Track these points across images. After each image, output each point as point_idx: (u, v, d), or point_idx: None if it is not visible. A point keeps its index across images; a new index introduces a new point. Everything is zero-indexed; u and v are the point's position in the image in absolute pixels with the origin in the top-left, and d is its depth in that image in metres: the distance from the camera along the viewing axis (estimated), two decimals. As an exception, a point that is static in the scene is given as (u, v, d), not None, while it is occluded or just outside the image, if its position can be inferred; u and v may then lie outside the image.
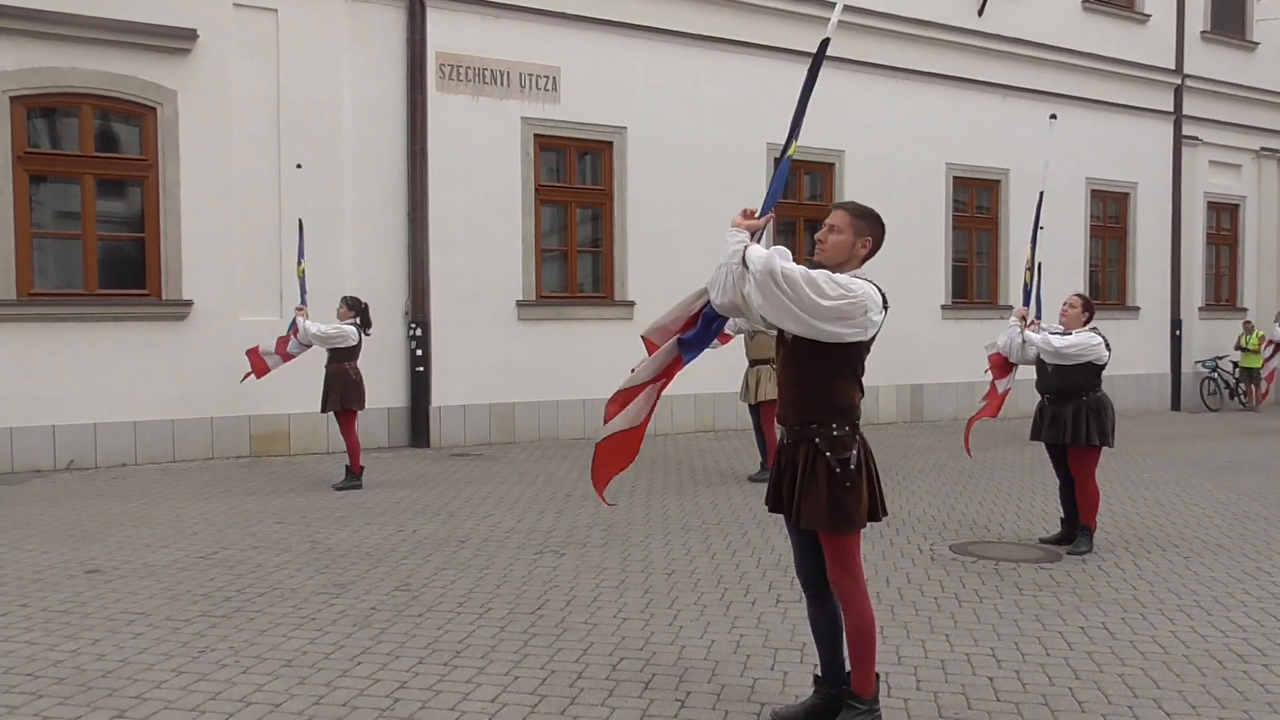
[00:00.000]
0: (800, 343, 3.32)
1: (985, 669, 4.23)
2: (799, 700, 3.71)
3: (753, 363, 8.99)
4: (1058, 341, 6.26)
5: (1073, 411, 6.24)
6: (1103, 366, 6.32)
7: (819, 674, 3.62)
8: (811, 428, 3.35)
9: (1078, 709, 3.81)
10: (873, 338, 3.35)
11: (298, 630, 4.62)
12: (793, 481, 3.39)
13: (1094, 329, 6.34)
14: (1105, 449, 6.39)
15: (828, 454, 3.31)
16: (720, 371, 9.87)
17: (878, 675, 3.49)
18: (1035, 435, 6.55)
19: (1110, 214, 16.31)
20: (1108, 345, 6.31)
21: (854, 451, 3.34)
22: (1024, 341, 6.51)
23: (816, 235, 3.50)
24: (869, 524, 3.41)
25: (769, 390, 8.60)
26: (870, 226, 3.47)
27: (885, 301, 3.34)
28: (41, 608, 4.93)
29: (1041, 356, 6.38)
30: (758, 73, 12.51)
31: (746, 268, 3.16)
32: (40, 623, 4.70)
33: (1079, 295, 6.54)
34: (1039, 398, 6.58)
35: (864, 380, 3.44)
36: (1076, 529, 6.44)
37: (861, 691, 3.42)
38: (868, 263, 3.49)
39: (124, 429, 9.27)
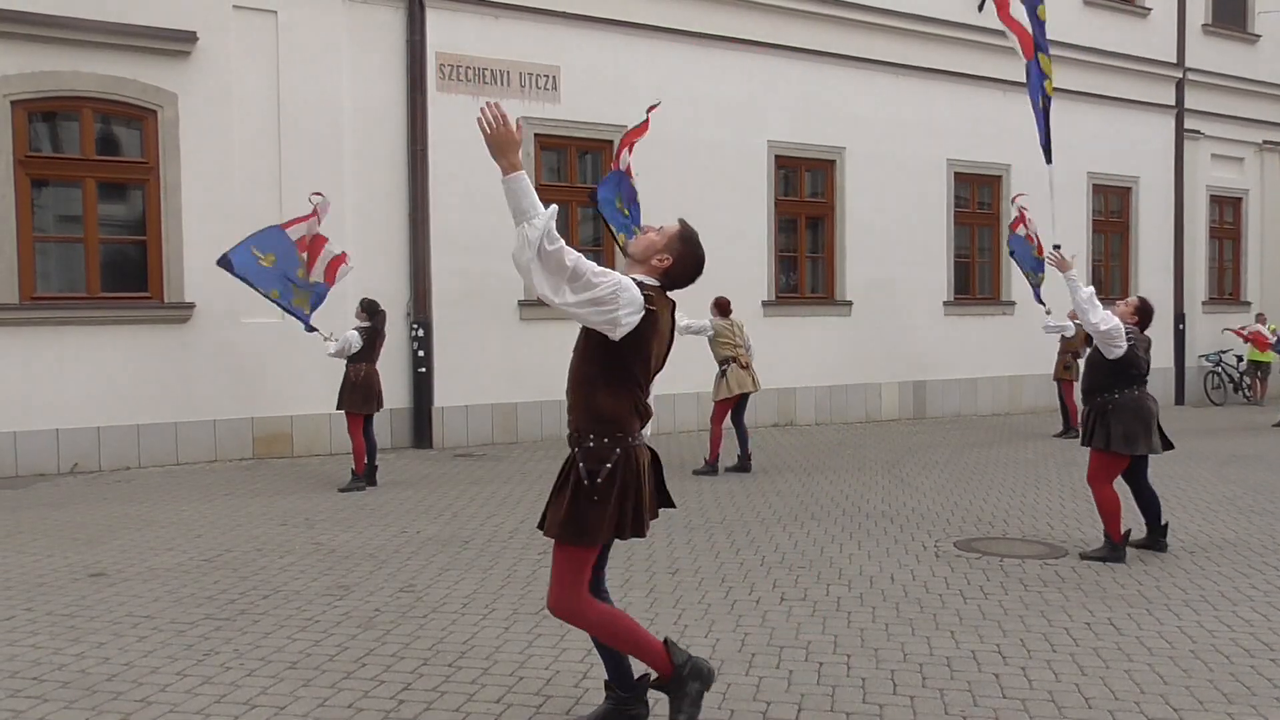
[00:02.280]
0: (579, 345, 3.25)
1: (991, 666, 4.22)
2: (594, 709, 3.57)
3: (720, 362, 9.30)
4: (1095, 317, 5.94)
5: (1091, 411, 6.11)
6: (1127, 369, 6.01)
7: (608, 678, 3.51)
8: (574, 435, 3.24)
9: (1084, 705, 3.80)
10: (638, 344, 3.16)
11: (302, 633, 4.62)
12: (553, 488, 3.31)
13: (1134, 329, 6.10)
14: (1146, 455, 6.12)
15: (581, 464, 3.19)
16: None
17: (666, 641, 3.40)
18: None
19: (1112, 209, 16.28)
20: (1138, 350, 6.02)
21: (608, 465, 3.16)
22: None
23: (643, 223, 3.47)
24: (633, 537, 3.27)
25: (722, 390, 9.22)
26: (681, 248, 3.31)
27: (648, 309, 3.14)
28: (46, 611, 4.93)
29: (1105, 353, 6.05)
30: (759, 71, 12.50)
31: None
32: (45, 626, 4.70)
33: (1139, 297, 6.35)
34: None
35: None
36: (1161, 534, 6.23)
37: (664, 674, 3.35)
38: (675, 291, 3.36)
39: (127, 432, 9.27)
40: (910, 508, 7.62)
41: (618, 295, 3.07)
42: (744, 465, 9.31)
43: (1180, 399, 16.66)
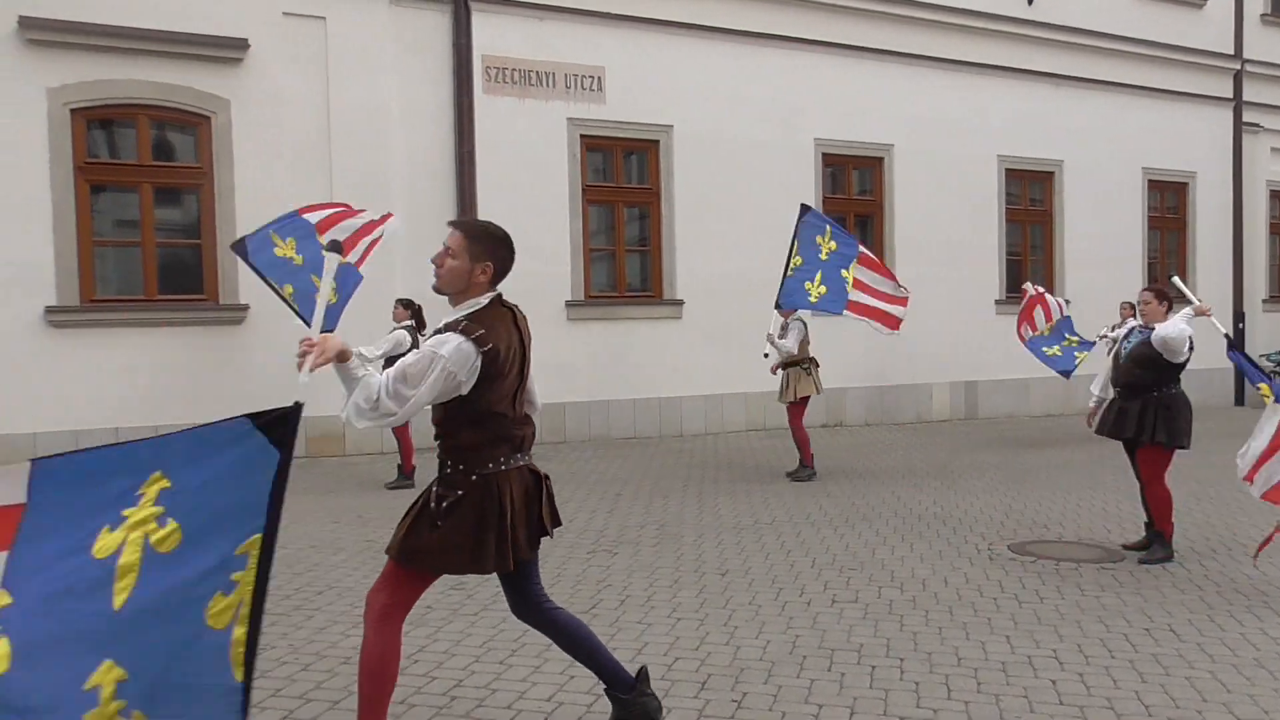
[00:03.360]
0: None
1: (1047, 671, 4.14)
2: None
3: (785, 365, 9.05)
4: (1165, 330, 5.81)
5: (1139, 407, 5.98)
6: (1181, 364, 5.99)
7: (605, 687, 3.47)
8: (438, 463, 3.19)
9: (1144, 713, 3.72)
10: (487, 383, 3.05)
11: (355, 629, 4.67)
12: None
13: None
14: (1180, 450, 6.03)
15: (434, 488, 3.14)
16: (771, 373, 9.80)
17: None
18: (1100, 430, 6.30)
19: (1168, 205, 15.92)
20: (1191, 344, 5.95)
21: (459, 493, 3.08)
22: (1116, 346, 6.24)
23: (433, 258, 3.16)
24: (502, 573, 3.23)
25: (799, 390, 8.93)
26: (490, 248, 3.12)
27: (482, 351, 3.00)
28: (107, 607, 5.04)
29: (1166, 357, 5.93)
30: (805, 68, 12.41)
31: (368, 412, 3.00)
32: (106, 622, 4.80)
33: (1152, 290, 6.19)
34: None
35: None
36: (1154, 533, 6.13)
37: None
38: (501, 283, 3.22)
39: (183, 432, 9.44)
40: (962, 510, 7.51)
41: (447, 368, 2.96)
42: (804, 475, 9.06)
43: (1240, 399, 16.24)
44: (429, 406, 3.09)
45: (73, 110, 9.05)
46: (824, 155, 12.69)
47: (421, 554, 3.11)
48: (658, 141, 11.69)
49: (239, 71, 9.63)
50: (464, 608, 5.02)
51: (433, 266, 3.16)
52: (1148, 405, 5.97)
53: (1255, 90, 16.34)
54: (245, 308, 9.66)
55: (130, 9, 9.13)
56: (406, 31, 10.43)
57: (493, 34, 10.76)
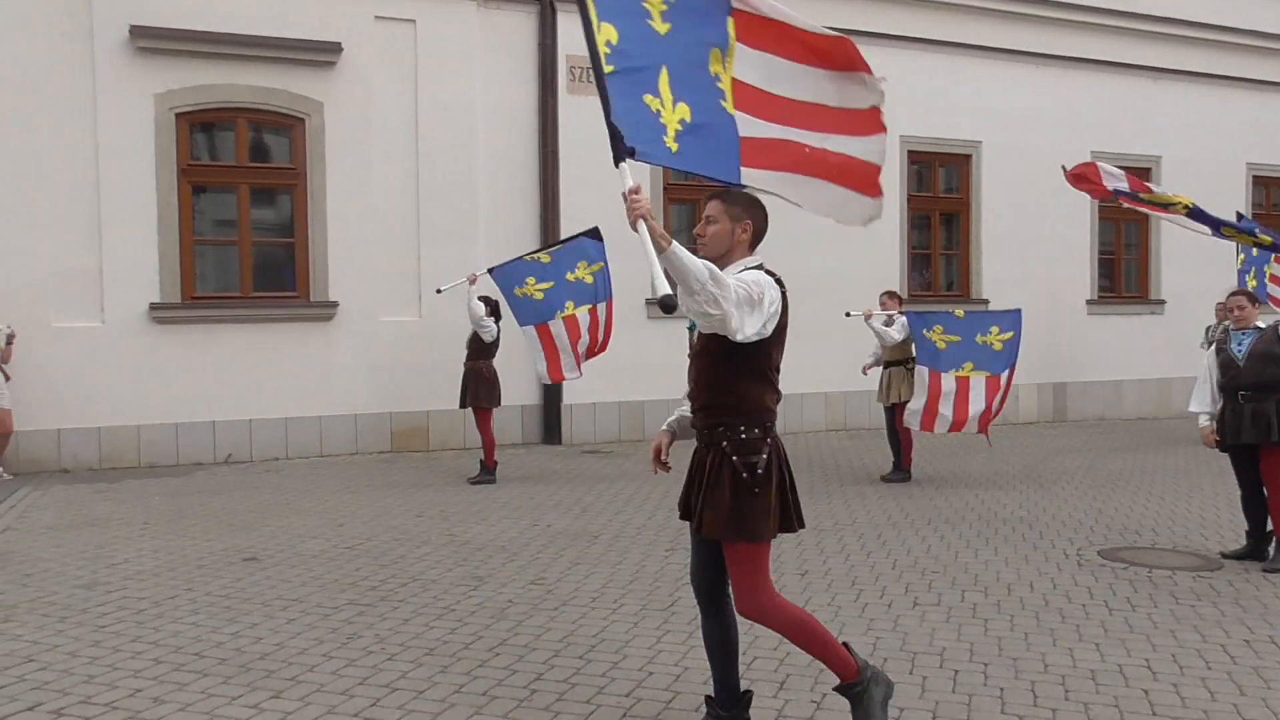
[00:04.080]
0: (708, 342, 3.15)
1: (1139, 681, 4.01)
2: None
3: (887, 364, 8.86)
4: None
5: (1276, 405, 5.69)
6: None
7: (710, 694, 3.43)
8: (719, 430, 3.16)
9: (1244, 727, 3.58)
10: (780, 330, 3.13)
11: (439, 620, 4.77)
12: (699, 487, 3.21)
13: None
14: None
15: (734, 458, 3.11)
16: (852, 370, 9.69)
17: (845, 645, 3.30)
18: (1234, 438, 5.88)
19: (1274, 202, 15.23)
20: None
21: (763, 455, 3.12)
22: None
23: (695, 230, 3.29)
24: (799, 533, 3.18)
25: (903, 392, 8.70)
26: (746, 208, 3.26)
27: (783, 292, 3.11)
28: (205, 592, 5.25)
29: None
30: (890, 65, 12.02)
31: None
32: (205, 606, 5.00)
33: (1244, 293, 6.02)
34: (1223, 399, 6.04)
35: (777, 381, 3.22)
36: (1266, 545, 5.89)
37: (846, 678, 3.26)
38: (758, 247, 3.28)
39: (276, 425, 9.78)
40: (1050, 514, 7.32)
41: (768, 296, 3.03)
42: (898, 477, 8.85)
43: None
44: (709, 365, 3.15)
45: (177, 114, 9.43)
46: (909, 153, 12.48)
47: (754, 524, 3.10)
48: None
49: (332, 75, 9.91)
50: (544, 602, 5.08)
51: (696, 239, 3.26)
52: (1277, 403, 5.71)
53: (1370, 80, 15.51)
54: (335, 305, 9.94)
55: (230, 16, 9.48)
56: (493, 33, 10.59)
57: (577, 33, 10.74)
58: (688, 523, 3.36)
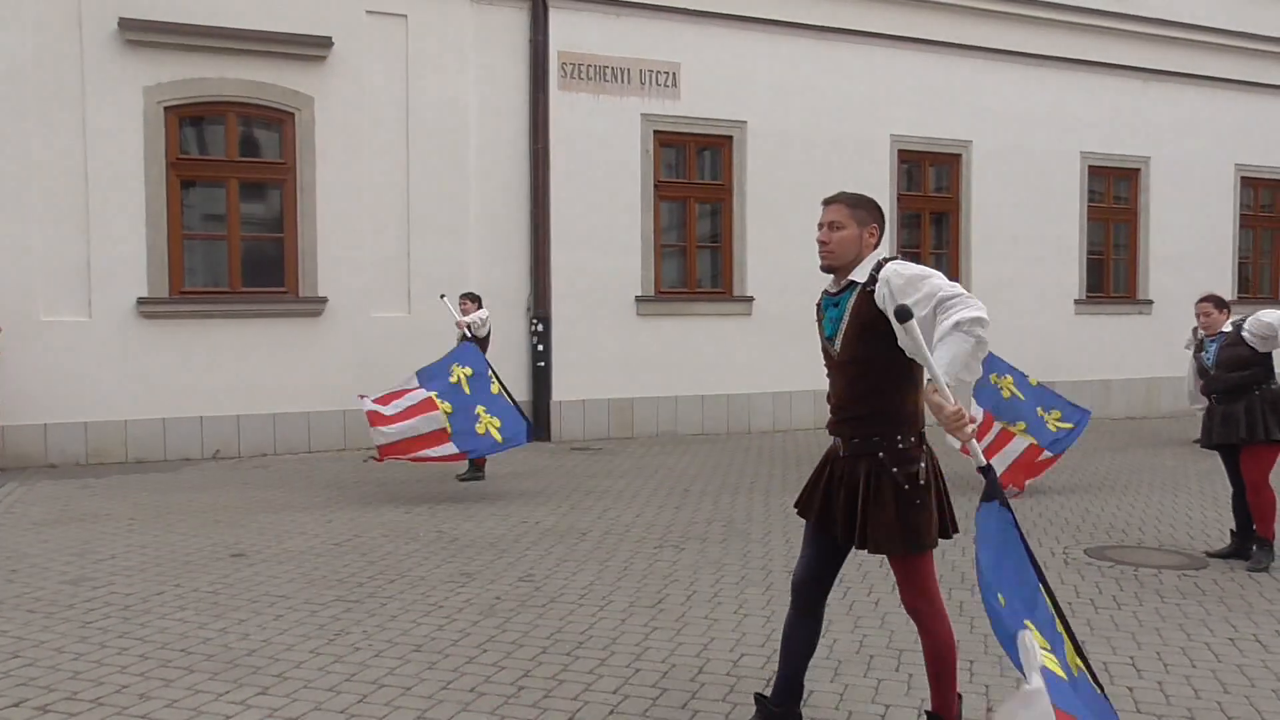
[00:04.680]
0: (859, 349, 3.08)
1: (1124, 679, 4.04)
2: None
3: None
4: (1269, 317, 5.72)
5: (1245, 406, 5.80)
6: (1273, 359, 5.87)
7: (761, 692, 3.42)
8: (874, 440, 3.08)
9: (1227, 725, 3.61)
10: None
11: (426, 617, 4.77)
12: (851, 500, 3.12)
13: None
14: None
15: (894, 470, 3.04)
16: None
17: (959, 696, 3.25)
18: (1207, 441, 6.10)
19: (1263, 203, 15.31)
20: None
21: (921, 464, 3.06)
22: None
23: (818, 238, 3.20)
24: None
25: None
26: (871, 213, 3.19)
27: None
28: (193, 588, 5.24)
29: (1258, 348, 5.83)
30: (882, 64, 12.24)
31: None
32: (192, 602, 4.99)
33: (1210, 299, 6.11)
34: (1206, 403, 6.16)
35: None
36: (1249, 543, 5.95)
37: (944, 714, 3.19)
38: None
39: (264, 420, 9.75)
40: (1037, 513, 7.35)
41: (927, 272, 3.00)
42: None
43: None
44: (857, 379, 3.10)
45: (166, 108, 9.38)
46: (900, 152, 12.51)
47: (921, 535, 3.05)
48: (731, 137, 11.65)
49: (322, 69, 9.88)
50: (532, 599, 5.08)
51: (819, 247, 3.20)
52: (1252, 404, 5.81)
53: (1357, 83, 15.61)
54: (323, 301, 9.92)
55: (221, 9, 9.43)
56: (484, 28, 10.57)
57: (569, 31, 10.85)
58: (805, 520, 3.32)
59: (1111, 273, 14.14)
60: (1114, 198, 14.11)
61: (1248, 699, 3.84)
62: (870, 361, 3.09)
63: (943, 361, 2.77)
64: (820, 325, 3.29)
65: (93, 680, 3.94)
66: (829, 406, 3.28)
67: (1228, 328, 6.04)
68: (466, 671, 4.07)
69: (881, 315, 3.01)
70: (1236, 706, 3.77)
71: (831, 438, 3.28)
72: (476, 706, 3.71)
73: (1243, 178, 14.86)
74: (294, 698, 3.78)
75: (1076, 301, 13.61)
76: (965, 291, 2.94)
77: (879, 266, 3.09)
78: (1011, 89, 12.98)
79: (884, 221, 3.26)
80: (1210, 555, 6.05)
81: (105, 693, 3.82)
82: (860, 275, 3.12)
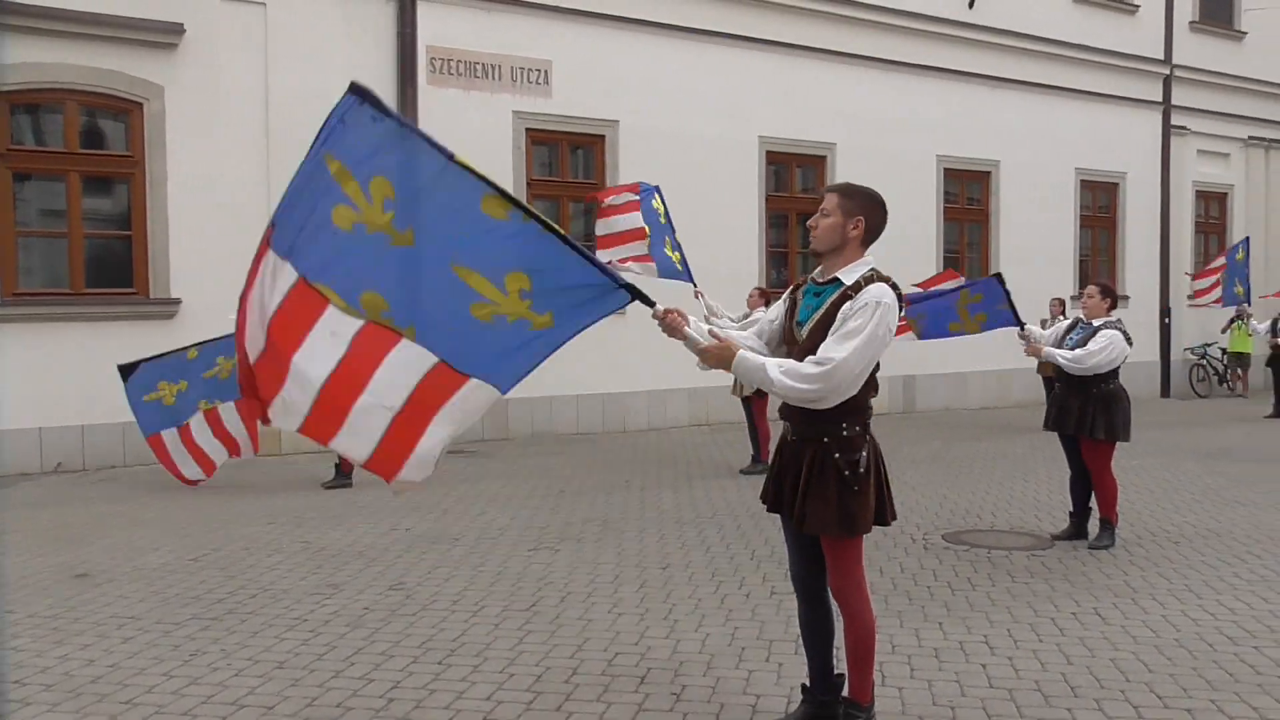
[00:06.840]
0: (814, 340, 3.14)
1: (978, 656, 4.23)
2: (789, 713, 3.59)
3: None
4: (1083, 353, 6.04)
5: (1080, 403, 6.15)
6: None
7: (807, 683, 3.52)
8: (820, 426, 3.16)
9: (1070, 694, 3.82)
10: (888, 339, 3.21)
11: (290, 632, 4.60)
12: (795, 483, 3.23)
13: (1118, 321, 6.22)
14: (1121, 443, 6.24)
15: (836, 455, 3.15)
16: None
17: (873, 683, 3.41)
18: (1045, 425, 6.49)
19: (1100, 204, 16.34)
20: (1129, 338, 6.16)
21: (864, 453, 3.17)
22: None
23: (809, 222, 3.31)
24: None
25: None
26: (861, 205, 3.22)
27: (898, 295, 3.15)
28: (29, 614, 4.89)
29: (1069, 372, 6.14)
30: (750, 66, 12.48)
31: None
32: (28, 629, 4.66)
33: (1097, 284, 6.41)
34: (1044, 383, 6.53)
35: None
36: (1086, 523, 6.34)
37: (859, 698, 3.33)
38: (872, 246, 3.29)
39: (112, 430, 9.20)
40: (899, 501, 7.51)
41: (886, 319, 3.05)
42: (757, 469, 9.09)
43: (1166, 391, 16.74)
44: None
45: (-3, 96, 8.76)
46: (768, 153, 12.78)
47: (856, 520, 3.15)
48: (604, 136, 11.67)
49: (173, 57, 9.39)
50: (403, 608, 4.96)
51: (809, 230, 3.31)
52: (1088, 400, 6.13)
53: (1183, 94, 16.84)
54: (177, 302, 9.44)
55: (57, -7, 8.86)
56: (349, 20, 10.26)
57: (438, 25, 10.64)
58: (777, 514, 3.40)
59: (966, 271, 14.79)
60: (967, 199, 14.79)
61: (1089, 669, 4.08)
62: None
63: (758, 362, 3.10)
64: (793, 309, 3.32)
65: (-84, 716, 3.64)
66: None
67: (1106, 318, 6.24)
68: (333, 686, 3.94)
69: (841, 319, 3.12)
70: (1078, 676, 4.00)
71: (781, 421, 3.38)
72: (343, 721, 3.60)
73: (1082, 180, 15.82)
74: (145, 723, 3.58)
75: (934, 298, 14.18)
76: (853, 364, 3.02)
77: (870, 280, 3.14)
78: (871, 94, 13.44)
79: (878, 216, 3.27)
80: (1054, 538, 6.41)
81: (-70, 729, 3.53)
82: (848, 277, 3.18)
